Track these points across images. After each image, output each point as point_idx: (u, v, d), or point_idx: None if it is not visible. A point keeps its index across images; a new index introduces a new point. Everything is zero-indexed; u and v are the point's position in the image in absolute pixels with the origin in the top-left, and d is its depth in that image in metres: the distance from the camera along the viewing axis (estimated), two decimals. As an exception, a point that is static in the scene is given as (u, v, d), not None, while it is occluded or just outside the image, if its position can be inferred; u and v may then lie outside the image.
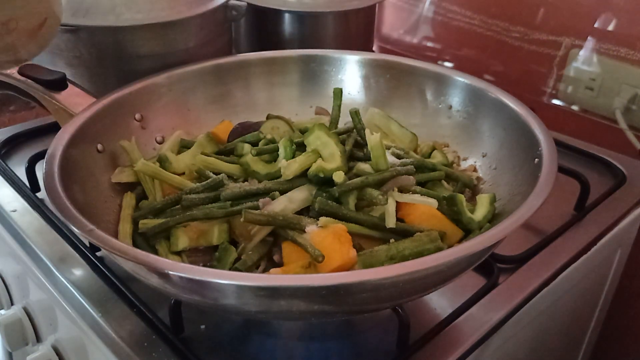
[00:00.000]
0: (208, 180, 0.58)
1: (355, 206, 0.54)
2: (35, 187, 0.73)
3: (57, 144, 0.55)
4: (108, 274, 0.60)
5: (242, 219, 0.50)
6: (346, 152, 0.59)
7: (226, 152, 0.67)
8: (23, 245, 0.66)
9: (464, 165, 0.67)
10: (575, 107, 0.98)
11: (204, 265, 0.54)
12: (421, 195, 0.56)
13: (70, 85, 0.66)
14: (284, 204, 0.54)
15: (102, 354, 0.54)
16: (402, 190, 0.57)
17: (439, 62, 1.15)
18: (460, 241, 0.55)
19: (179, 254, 0.54)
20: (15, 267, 0.70)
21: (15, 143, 0.84)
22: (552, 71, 0.99)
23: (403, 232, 0.53)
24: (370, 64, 0.76)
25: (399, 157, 0.62)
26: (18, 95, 0.68)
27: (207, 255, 0.55)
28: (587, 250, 0.67)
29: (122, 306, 0.57)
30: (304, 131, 0.65)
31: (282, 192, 0.56)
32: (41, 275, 0.62)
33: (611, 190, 0.75)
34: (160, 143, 0.69)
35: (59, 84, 0.65)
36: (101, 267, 0.61)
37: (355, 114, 0.66)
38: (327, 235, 0.49)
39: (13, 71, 0.66)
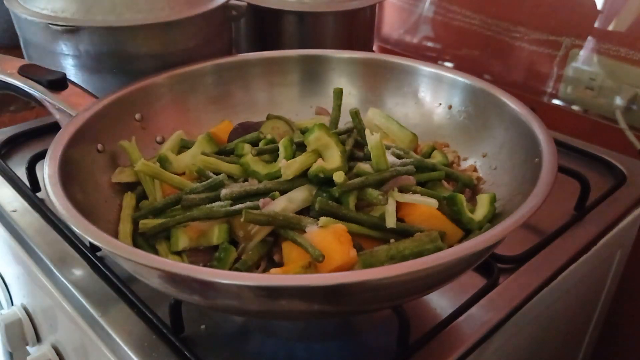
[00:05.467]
0: (208, 180, 0.58)
1: (355, 206, 0.54)
2: (35, 187, 0.73)
3: (57, 144, 0.55)
4: (108, 274, 0.60)
5: (242, 219, 0.50)
6: (346, 152, 0.59)
7: (226, 152, 0.67)
8: (23, 245, 0.66)
9: (464, 165, 0.67)
10: (575, 107, 0.98)
11: (204, 265, 0.53)
12: (421, 195, 0.56)
13: (70, 85, 0.66)
14: (284, 204, 0.54)
15: (102, 354, 0.54)
16: (402, 190, 0.57)
17: (439, 62, 1.15)
18: (460, 241, 0.55)
19: (179, 254, 0.54)
20: (15, 267, 0.70)
21: (15, 143, 0.84)
22: (552, 71, 0.99)
23: (403, 232, 0.53)
24: (370, 64, 0.75)
25: (399, 157, 0.62)
26: (18, 95, 0.68)
27: (207, 255, 0.55)
28: (587, 250, 0.67)
29: (122, 306, 0.57)
30: (304, 131, 0.65)
31: (282, 192, 0.56)
32: (41, 275, 0.62)
33: (611, 190, 0.75)
34: (160, 143, 0.69)
35: (59, 84, 0.65)
36: (101, 267, 0.61)
37: (355, 114, 0.66)
38: (327, 235, 0.49)
39: (13, 71, 0.66)
